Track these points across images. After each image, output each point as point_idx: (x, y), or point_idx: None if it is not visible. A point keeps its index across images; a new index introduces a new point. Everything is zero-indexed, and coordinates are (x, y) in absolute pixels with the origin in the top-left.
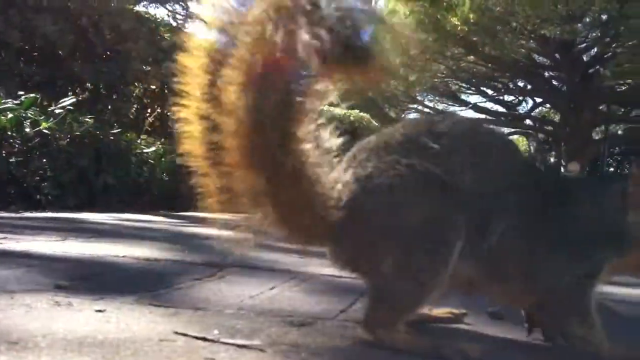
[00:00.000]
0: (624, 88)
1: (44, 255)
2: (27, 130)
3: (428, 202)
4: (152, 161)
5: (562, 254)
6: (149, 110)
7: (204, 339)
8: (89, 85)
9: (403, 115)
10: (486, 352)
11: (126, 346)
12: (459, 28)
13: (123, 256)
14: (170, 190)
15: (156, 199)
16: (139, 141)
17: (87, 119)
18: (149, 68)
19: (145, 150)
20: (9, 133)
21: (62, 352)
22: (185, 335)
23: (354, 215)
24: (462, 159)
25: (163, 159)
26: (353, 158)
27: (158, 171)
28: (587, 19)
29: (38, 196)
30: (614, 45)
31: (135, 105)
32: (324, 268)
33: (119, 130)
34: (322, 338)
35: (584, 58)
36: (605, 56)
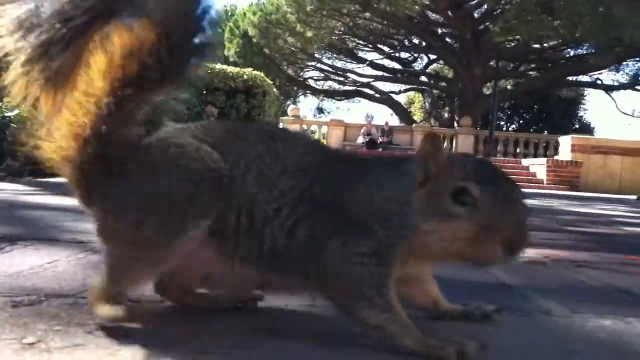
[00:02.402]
0: (512, 44)
1: None
2: None
3: (184, 176)
4: (15, 125)
5: (337, 234)
6: None
7: None
8: None
9: (301, 73)
10: None
11: None
12: None
13: None
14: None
15: (23, 164)
16: (0, 104)
17: None
18: None
19: (7, 114)
20: None
21: None
22: None
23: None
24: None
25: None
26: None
27: (24, 136)
28: None
29: None
30: (502, 1)
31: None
32: None
33: None
34: (31, 319)
35: (475, 15)
36: (495, 13)
